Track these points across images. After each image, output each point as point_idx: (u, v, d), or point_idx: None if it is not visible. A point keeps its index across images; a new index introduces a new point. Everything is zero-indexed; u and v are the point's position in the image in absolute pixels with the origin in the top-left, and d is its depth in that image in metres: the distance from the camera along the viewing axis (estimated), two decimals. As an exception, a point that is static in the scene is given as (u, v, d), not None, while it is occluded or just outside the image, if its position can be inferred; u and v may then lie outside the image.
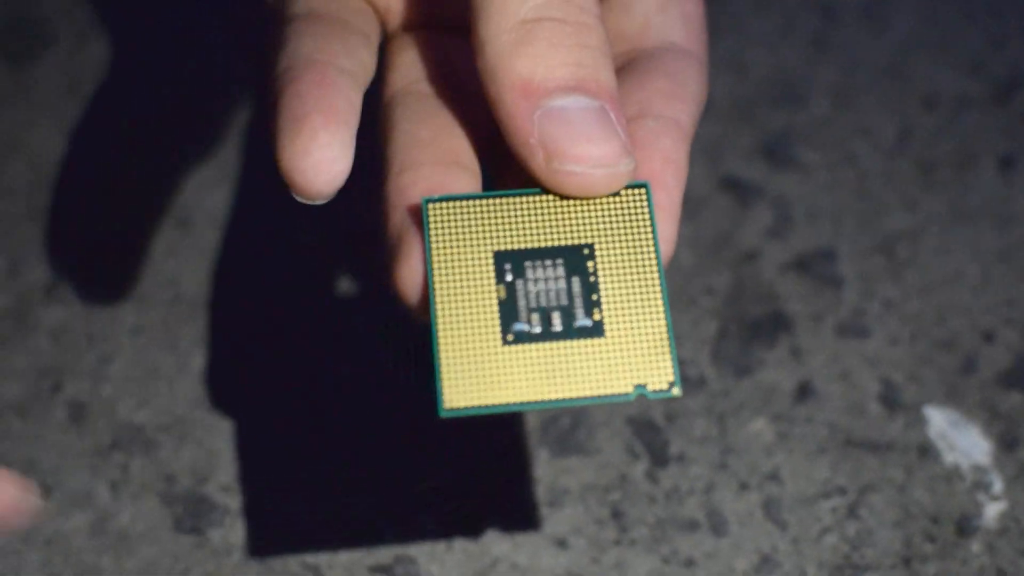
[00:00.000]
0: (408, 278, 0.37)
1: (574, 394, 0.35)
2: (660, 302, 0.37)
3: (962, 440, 0.51)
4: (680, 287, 0.56)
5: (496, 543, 0.49)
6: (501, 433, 0.51)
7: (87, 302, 0.55)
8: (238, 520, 0.49)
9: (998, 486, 0.50)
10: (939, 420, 0.52)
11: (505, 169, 0.40)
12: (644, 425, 0.52)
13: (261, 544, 0.48)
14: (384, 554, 0.48)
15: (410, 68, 0.42)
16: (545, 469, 0.51)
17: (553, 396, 0.35)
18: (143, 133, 0.60)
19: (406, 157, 0.39)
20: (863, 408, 0.52)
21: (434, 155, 0.39)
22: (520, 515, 0.50)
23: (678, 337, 0.54)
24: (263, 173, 0.58)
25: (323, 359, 0.53)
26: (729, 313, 0.55)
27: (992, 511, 0.49)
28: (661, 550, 0.49)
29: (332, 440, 0.51)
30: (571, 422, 0.52)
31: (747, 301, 0.55)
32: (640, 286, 0.37)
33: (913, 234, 0.57)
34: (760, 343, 0.54)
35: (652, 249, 0.37)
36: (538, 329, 0.36)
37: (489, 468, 0.51)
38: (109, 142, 0.60)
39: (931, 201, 0.58)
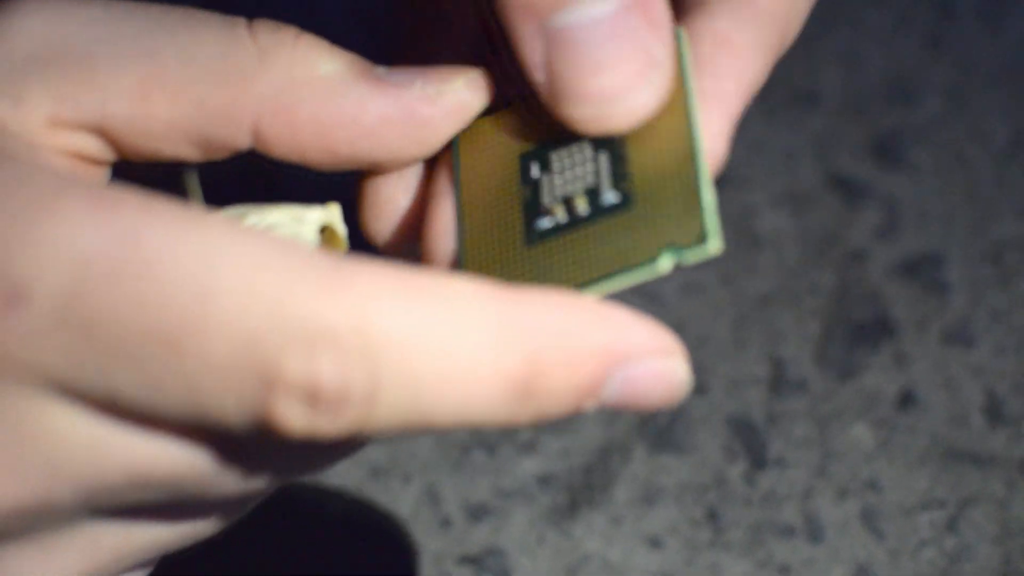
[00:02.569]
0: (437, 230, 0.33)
1: (598, 273, 0.30)
2: (691, 158, 0.31)
3: (1064, 457, 0.50)
4: (784, 284, 0.55)
5: (588, 539, 0.48)
6: (597, 427, 0.50)
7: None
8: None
9: (1101, 507, 0.49)
10: (1041, 435, 0.51)
11: None
12: (743, 425, 0.51)
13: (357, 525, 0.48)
14: (475, 545, 0.48)
15: None
16: (641, 466, 0.50)
17: (579, 280, 0.30)
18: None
19: None
20: (966, 419, 0.51)
21: None
22: (614, 511, 0.49)
23: (780, 334, 0.53)
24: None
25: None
26: (833, 314, 0.54)
27: (1094, 532, 0.48)
28: (756, 554, 0.48)
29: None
30: (669, 418, 0.51)
31: (852, 303, 0.54)
32: (672, 148, 0.31)
33: (1024, 242, 0.56)
34: (864, 346, 0.53)
35: (683, 105, 0.31)
36: (564, 219, 0.31)
37: (584, 462, 0.50)
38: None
39: (1043, 209, 0.57)
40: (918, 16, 0.63)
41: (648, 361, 0.28)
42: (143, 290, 0.25)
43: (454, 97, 0.32)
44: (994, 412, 0.51)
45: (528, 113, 0.33)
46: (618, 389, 0.28)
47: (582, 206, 0.32)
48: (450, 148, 0.33)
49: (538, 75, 0.30)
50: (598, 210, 0.31)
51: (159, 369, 0.26)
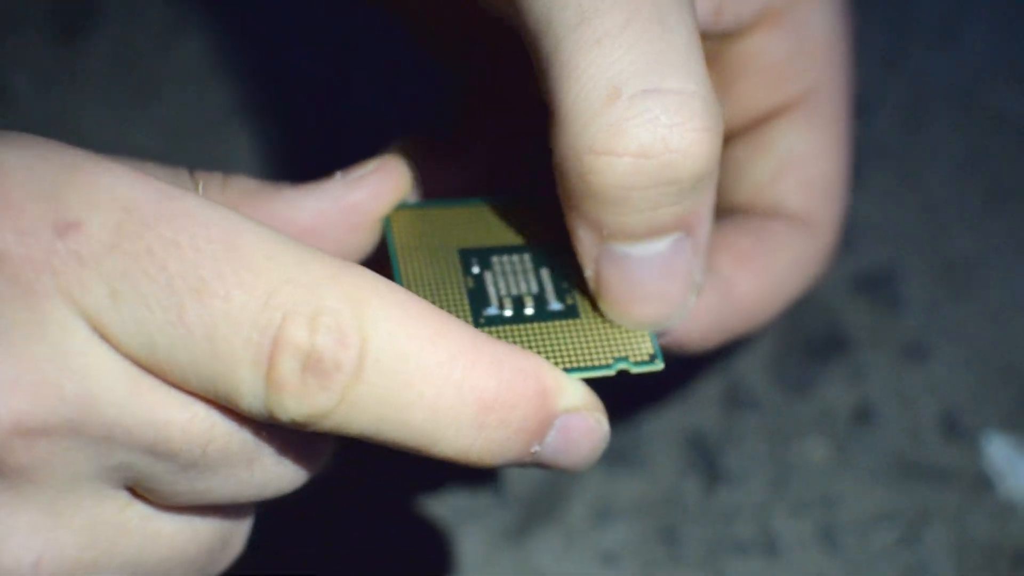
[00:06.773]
0: None
1: (554, 364, 0.34)
2: None
3: (1020, 470, 0.50)
4: (739, 301, 0.55)
5: (543, 556, 0.48)
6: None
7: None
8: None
9: (1056, 520, 0.49)
10: (997, 449, 0.51)
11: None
12: (699, 442, 0.51)
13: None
14: (427, 568, 0.48)
15: None
16: (597, 482, 0.50)
17: None
18: (196, 117, 0.59)
19: None
20: (921, 433, 0.51)
21: None
22: (569, 528, 0.49)
23: (735, 350, 0.53)
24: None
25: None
26: (788, 330, 0.54)
27: (1049, 546, 0.48)
28: (712, 571, 0.48)
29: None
30: (625, 435, 0.51)
31: (807, 318, 0.54)
32: None
33: (978, 258, 0.56)
34: (818, 362, 0.53)
35: None
36: (509, 312, 0.35)
37: (538, 480, 0.50)
38: (160, 124, 0.59)
39: (997, 225, 0.57)
40: (873, 34, 0.64)
41: (583, 413, 0.32)
42: (178, 233, 0.29)
43: (373, 177, 0.36)
44: (949, 426, 0.51)
45: (468, 216, 0.37)
46: (555, 436, 0.31)
47: (529, 306, 0.35)
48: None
49: (587, 271, 0.34)
50: (544, 312, 0.35)
51: (184, 313, 0.29)
